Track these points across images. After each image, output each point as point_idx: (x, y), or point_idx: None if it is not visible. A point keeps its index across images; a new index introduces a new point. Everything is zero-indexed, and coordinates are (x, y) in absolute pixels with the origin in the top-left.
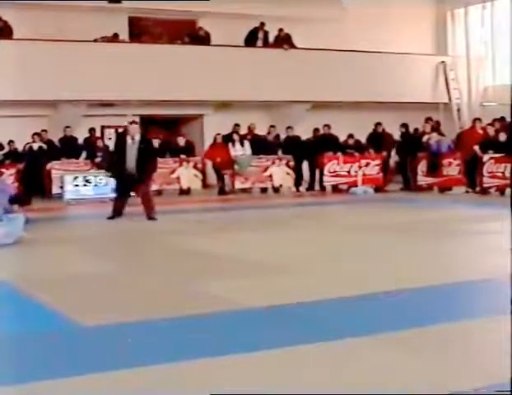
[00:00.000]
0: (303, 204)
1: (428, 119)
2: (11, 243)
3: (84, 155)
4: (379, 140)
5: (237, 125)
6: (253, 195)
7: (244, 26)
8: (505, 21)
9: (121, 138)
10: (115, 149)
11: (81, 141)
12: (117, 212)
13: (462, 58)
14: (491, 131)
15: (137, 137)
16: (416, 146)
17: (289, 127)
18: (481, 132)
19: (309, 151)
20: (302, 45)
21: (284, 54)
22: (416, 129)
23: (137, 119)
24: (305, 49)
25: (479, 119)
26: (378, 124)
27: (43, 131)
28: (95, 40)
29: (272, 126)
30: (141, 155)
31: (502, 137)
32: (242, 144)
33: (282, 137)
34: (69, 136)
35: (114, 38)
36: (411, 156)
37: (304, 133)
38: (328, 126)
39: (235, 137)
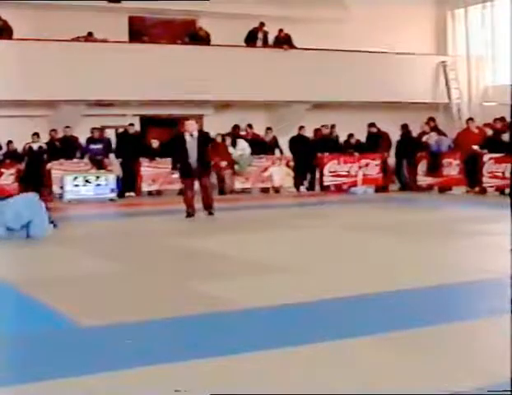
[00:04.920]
0: (303, 204)
1: (430, 120)
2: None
3: (78, 154)
4: (376, 140)
5: (237, 126)
6: (254, 195)
7: (244, 26)
8: (504, 21)
9: (180, 136)
10: (176, 147)
11: (82, 140)
12: (190, 209)
13: (462, 57)
14: (488, 131)
15: (196, 133)
16: (414, 147)
17: (302, 127)
18: (476, 131)
19: (310, 151)
20: (302, 45)
21: (284, 54)
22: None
23: (137, 119)
24: (305, 49)
25: (472, 119)
26: (371, 125)
27: (35, 134)
28: (74, 39)
29: (268, 128)
30: (201, 149)
31: (506, 137)
32: (234, 145)
33: (281, 137)
34: (69, 136)
35: (89, 36)
36: (408, 157)
37: (304, 133)
38: (333, 126)
39: (227, 140)
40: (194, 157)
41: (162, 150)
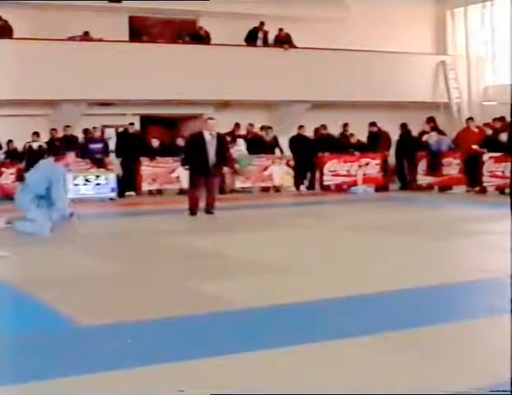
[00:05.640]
0: (303, 203)
1: (430, 119)
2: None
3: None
4: (376, 139)
5: (237, 125)
6: (254, 194)
7: (244, 26)
8: (504, 21)
9: (199, 134)
10: (194, 145)
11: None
12: (195, 208)
13: (462, 57)
14: (488, 130)
15: (215, 133)
16: (414, 146)
17: (301, 127)
18: (476, 130)
19: (310, 151)
20: (302, 45)
21: (284, 54)
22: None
23: (137, 119)
24: (305, 49)
25: (471, 119)
26: (372, 124)
27: (35, 133)
28: (69, 38)
29: (269, 127)
30: (219, 148)
31: (503, 137)
32: (234, 142)
33: (281, 137)
34: (69, 135)
35: (85, 36)
36: (408, 156)
37: (304, 133)
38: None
39: (227, 138)
40: (212, 156)
41: (164, 148)
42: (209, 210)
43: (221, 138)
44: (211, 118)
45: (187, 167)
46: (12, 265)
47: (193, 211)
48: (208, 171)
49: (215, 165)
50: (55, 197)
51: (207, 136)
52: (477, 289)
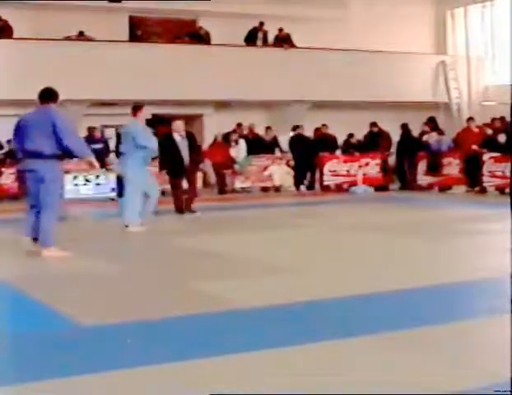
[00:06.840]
0: (303, 203)
1: (430, 119)
2: None
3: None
4: (376, 139)
5: (239, 125)
6: (254, 194)
7: (244, 26)
8: (504, 21)
9: (167, 136)
10: (164, 148)
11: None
12: (181, 207)
13: (462, 57)
14: (488, 130)
15: (184, 133)
16: (414, 146)
17: (297, 127)
18: (476, 130)
19: (310, 151)
20: (302, 45)
21: (284, 54)
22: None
23: None
24: (305, 49)
25: (472, 118)
26: (373, 124)
27: None
28: (65, 38)
29: (268, 127)
30: (192, 148)
31: (501, 138)
32: (236, 142)
33: (281, 137)
34: None
35: (80, 36)
36: (409, 156)
37: (303, 132)
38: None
39: (232, 137)
40: (186, 157)
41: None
42: (188, 209)
43: (192, 137)
44: (178, 118)
45: (164, 171)
46: (12, 265)
47: (179, 210)
48: (184, 172)
49: (190, 164)
50: (141, 143)
51: (176, 137)
52: (477, 289)
